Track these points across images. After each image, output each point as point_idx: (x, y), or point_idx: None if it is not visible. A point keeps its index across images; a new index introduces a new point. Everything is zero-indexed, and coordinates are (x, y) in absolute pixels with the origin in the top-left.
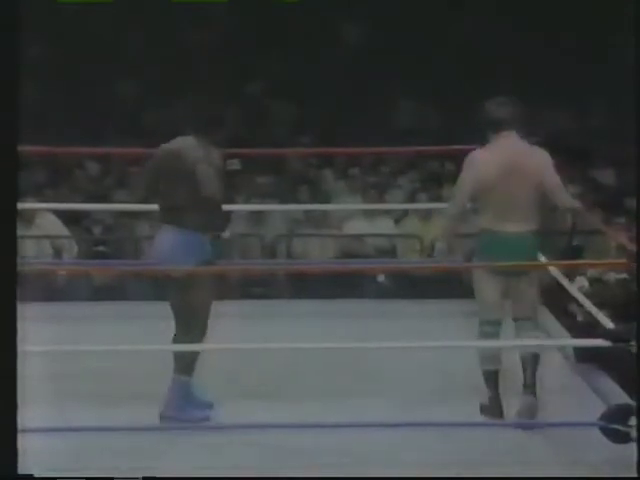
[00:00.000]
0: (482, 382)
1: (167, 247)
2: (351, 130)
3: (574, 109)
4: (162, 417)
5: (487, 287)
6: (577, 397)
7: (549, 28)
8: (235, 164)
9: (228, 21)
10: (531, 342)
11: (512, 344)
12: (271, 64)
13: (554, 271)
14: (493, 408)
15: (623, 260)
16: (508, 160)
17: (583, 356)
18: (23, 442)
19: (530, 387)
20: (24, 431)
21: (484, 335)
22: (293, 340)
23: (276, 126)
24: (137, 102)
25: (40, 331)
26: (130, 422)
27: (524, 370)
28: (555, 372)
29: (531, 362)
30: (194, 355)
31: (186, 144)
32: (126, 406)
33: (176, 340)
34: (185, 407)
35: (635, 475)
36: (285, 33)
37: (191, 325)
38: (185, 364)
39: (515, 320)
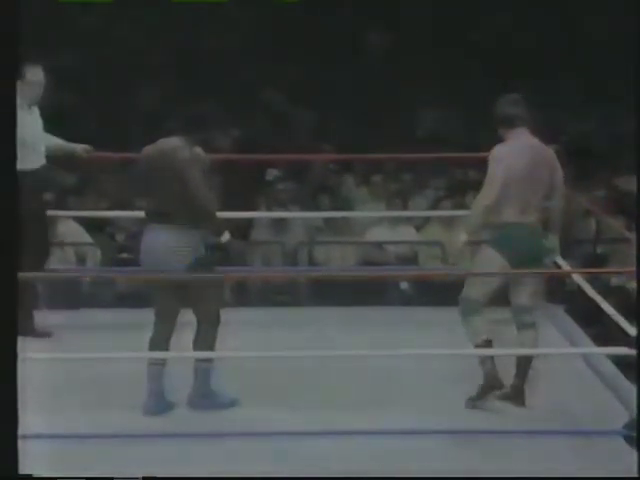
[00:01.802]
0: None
1: (161, 246)
2: (374, 137)
3: (598, 115)
4: (191, 404)
5: (492, 277)
6: (600, 405)
7: (576, 31)
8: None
9: (248, 26)
10: (558, 350)
11: (537, 351)
12: (293, 70)
13: (578, 279)
14: (491, 385)
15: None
16: (530, 154)
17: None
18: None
19: (518, 383)
20: (36, 437)
21: (470, 312)
22: (315, 347)
23: (297, 133)
24: (156, 107)
25: (64, 338)
26: (149, 428)
27: (517, 366)
28: (578, 380)
29: (524, 362)
30: (213, 344)
31: (171, 145)
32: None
33: (163, 338)
34: (212, 393)
35: (636, 475)
36: (307, 39)
37: (208, 320)
38: (206, 350)
39: (515, 307)
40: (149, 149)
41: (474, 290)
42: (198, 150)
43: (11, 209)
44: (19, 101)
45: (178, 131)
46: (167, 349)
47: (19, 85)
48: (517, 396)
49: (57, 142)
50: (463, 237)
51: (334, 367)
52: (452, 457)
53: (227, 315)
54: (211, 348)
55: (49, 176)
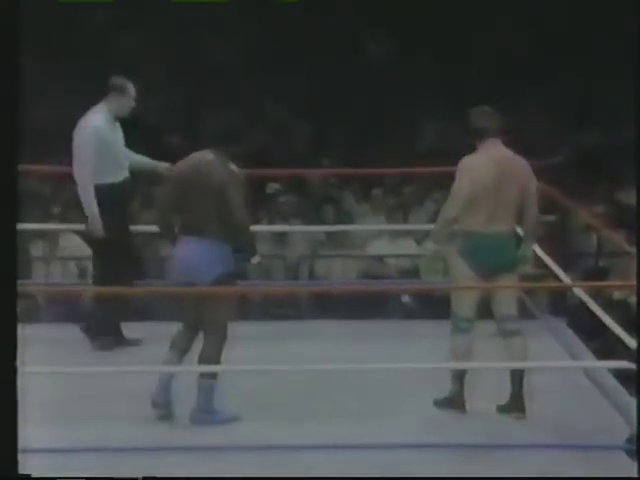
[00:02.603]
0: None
1: (194, 257)
2: (373, 150)
3: (599, 128)
4: (193, 420)
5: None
6: (602, 419)
7: (579, 44)
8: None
9: (249, 39)
10: (556, 364)
11: (539, 365)
12: (293, 83)
13: (580, 292)
14: (456, 402)
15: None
16: (499, 165)
17: None
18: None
19: (516, 392)
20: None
21: (459, 331)
22: (317, 361)
23: (298, 146)
24: (157, 119)
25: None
26: (149, 442)
27: (512, 376)
28: (579, 393)
29: (517, 371)
30: (218, 358)
31: (207, 159)
32: (148, 426)
33: (185, 344)
34: (214, 409)
35: (635, 475)
36: (307, 51)
37: (215, 333)
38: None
39: (498, 317)
40: (182, 164)
41: (460, 305)
42: (233, 166)
43: (11, 218)
44: (108, 115)
45: (210, 145)
46: (188, 348)
47: (115, 99)
48: (516, 405)
49: (140, 159)
50: (430, 247)
51: (335, 380)
52: (453, 470)
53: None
54: (216, 363)
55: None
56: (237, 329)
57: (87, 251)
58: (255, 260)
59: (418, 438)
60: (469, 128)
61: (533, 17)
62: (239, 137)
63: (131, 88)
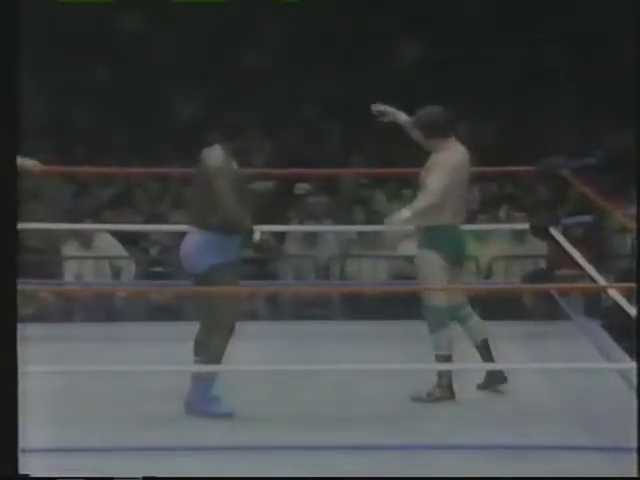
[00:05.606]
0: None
1: (190, 247)
2: (404, 150)
3: (633, 129)
4: (187, 408)
5: (440, 277)
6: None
7: (604, 43)
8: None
9: (279, 40)
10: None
11: (573, 366)
12: (322, 83)
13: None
14: (445, 391)
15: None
16: (464, 160)
17: None
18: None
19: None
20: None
21: (438, 323)
22: (346, 361)
23: (327, 146)
24: (193, 120)
25: (98, 351)
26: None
27: (482, 357)
28: (614, 395)
29: (484, 348)
30: (221, 352)
31: (207, 154)
32: (170, 426)
33: (203, 341)
34: (209, 401)
35: (635, 475)
36: (335, 51)
37: (219, 325)
38: (212, 360)
39: (453, 303)
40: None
41: (436, 296)
42: (231, 160)
43: (12, 220)
44: None
45: (218, 141)
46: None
47: None
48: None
49: None
50: (406, 214)
51: (364, 381)
52: (480, 470)
53: (258, 327)
54: (216, 357)
55: None
56: (267, 328)
57: (121, 251)
58: (256, 237)
59: (448, 439)
60: (432, 127)
61: (560, 16)
62: (244, 134)
63: None
